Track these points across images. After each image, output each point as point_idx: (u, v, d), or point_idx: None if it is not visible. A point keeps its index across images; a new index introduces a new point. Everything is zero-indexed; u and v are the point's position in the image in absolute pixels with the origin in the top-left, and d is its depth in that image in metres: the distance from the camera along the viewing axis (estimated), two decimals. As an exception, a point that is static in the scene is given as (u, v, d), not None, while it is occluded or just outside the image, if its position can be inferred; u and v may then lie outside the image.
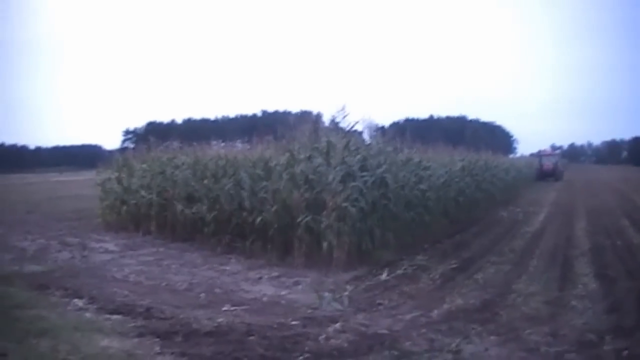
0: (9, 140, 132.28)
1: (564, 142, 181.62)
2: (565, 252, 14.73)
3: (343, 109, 14.81)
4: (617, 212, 24.72)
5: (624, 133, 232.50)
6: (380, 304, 9.82)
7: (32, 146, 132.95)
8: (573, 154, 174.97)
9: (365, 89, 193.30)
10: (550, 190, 43.24)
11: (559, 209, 27.35)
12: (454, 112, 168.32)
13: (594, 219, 22.43)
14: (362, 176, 13.79)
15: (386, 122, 76.02)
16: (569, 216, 23.77)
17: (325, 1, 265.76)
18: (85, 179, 35.88)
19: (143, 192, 18.95)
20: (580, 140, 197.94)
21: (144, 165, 20.05)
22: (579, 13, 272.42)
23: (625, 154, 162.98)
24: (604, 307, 9.33)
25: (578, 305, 9.45)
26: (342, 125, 15.15)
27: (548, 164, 61.42)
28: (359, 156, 14.19)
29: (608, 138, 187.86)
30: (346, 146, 14.08)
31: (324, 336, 7.63)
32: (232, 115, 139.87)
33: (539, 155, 67.57)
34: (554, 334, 7.86)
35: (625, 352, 7.07)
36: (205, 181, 16.83)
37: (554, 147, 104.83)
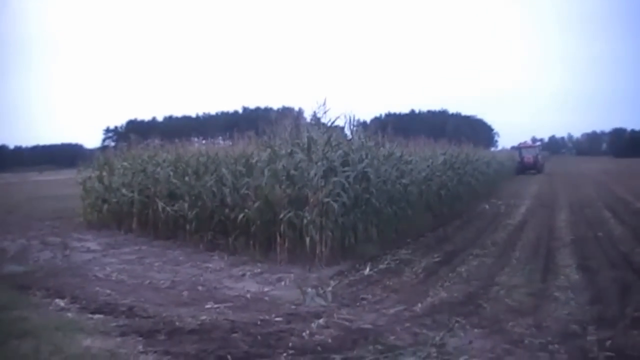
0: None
1: (545, 135, 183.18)
2: (547, 244, 14.81)
3: (324, 104, 14.78)
4: (598, 204, 24.88)
5: (603, 125, 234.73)
6: (364, 299, 9.82)
7: (11, 146, 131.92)
8: (554, 146, 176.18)
9: (347, 85, 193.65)
10: (531, 182, 43.54)
11: (541, 201, 27.52)
12: (436, 107, 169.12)
13: (576, 210, 22.61)
14: (344, 171, 13.79)
15: (368, 117, 76.06)
16: (550, 208, 23.92)
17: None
18: (65, 178, 35.58)
19: (124, 191, 18.84)
20: (560, 133, 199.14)
21: (125, 164, 19.93)
22: (557, 6, 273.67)
23: (605, 145, 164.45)
24: (587, 298, 9.37)
25: (561, 297, 9.49)
26: (323, 120, 15.13)
27: (529, 156, 60.92)
28: (340, 151, 14.17)
29: (588, 130, 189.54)
30: (327, 141, 14.05)
31: (308, 332, 7.61)
32: (213, 112, 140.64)
33: (519, 147, 66.49)
34: (537, 326, 7.89)
35: (609, 342, 7.10)
36: (187, 178, 16.73)
37: (534, 140, 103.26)
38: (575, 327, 7.82)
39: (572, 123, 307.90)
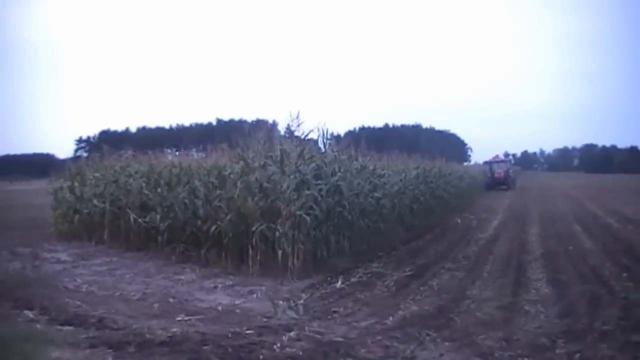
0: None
1: (517, 150, 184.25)
2: (518, 258, 14.94)
3: (298, 117, 14.81)
4: (569, 218, 25.17)
5: (575, 140, 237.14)
6: (335, 312, 9.82)
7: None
8: (526, 161, 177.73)
9: (321, 98, 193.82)
10: (503, 197, 43.96)
11: (513, 215, 27.78)
12: (410, 121, 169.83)
13: (547, 224, 22.86)
14: (317, 184, 13.82)
15: (342, 130, 76.36)
16: (522, 222, 24.16)
17: (280, 10, 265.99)
18: (37, 188, 35.17)
19: (96, 201, 18.68)
20: (532, 148, 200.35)
21: (97, 174, 19.80)
22: (530, 23, 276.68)
23: (576, 161, 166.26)
24: (557, 312, 9.46)
25: (531, 310, 9.57)
26: (297, 133, 15.15)
27: (499, 171, 59.17)
28: (313, 164, 14.20)
29: (560, 145, 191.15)
30: (301, 154, 14.06)
31: (279, 344, 7.59)
32: (187, 123, 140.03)
33: (490, 162, 63.58)
34: (507, 339, 7.92)
35: (578, 355, 7.17)
36: (159, 190, 16.67)
37: (506, 155, 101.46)
38: (544, 340, 7.88)
39: (544, 138, 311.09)
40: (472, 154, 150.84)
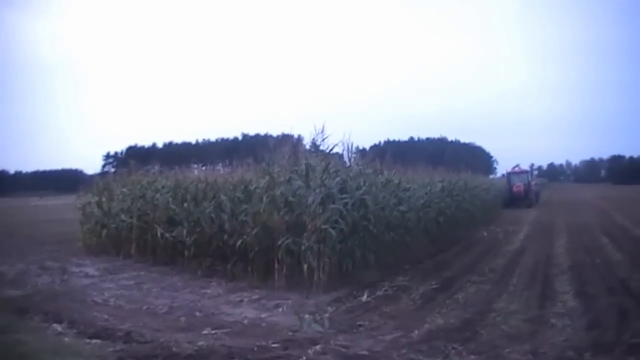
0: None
1: (543, 162, 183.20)
2: (545, 271, 14.81)
3: (322, 131, 14.83)
4: (596, 230, 24.90)
5: (602, 152, 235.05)
6: (361, 325, 9.80)
7: (12, 171, 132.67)
8: (552, 173, 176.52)
9: (346, 112, 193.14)
10: (530, 209, 43.44)
11: (539, 228, 27.59)
12: (435, 134, 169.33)
13: (574, 237, 22.64)
14: (342, 198, 13.80)
15: (367, 144, 76.25)
16: (549, 234, 23.97)
17: (306, 25, 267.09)
18: (65, 203, 35.55)
19: (123, 216, 18.88)
20: (559, 160, 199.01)
21: (125, 189, 19.97)
22: (554, 33, 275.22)
23: (603, 172, 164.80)
24: (584, 324, 9.37)
25: (558, 323, 9.48)
26: (322, 147, 15.16)
27: (518, 184, 50.35)
28: (338, 178, 14.17)
29: (587, 157, 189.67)
30: (326, 168, 14.08)
31: (304, 358, 7.61)
32: (213, 138, 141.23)
33: (508, 174, 54.32)
34: (534, 352, 7.87)
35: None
36: (186, 204, 16.80)
37: (531, 166, 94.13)
38: (571, 353, 7.80)
39: (571, 150, 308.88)
40: (498, 167, 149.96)
